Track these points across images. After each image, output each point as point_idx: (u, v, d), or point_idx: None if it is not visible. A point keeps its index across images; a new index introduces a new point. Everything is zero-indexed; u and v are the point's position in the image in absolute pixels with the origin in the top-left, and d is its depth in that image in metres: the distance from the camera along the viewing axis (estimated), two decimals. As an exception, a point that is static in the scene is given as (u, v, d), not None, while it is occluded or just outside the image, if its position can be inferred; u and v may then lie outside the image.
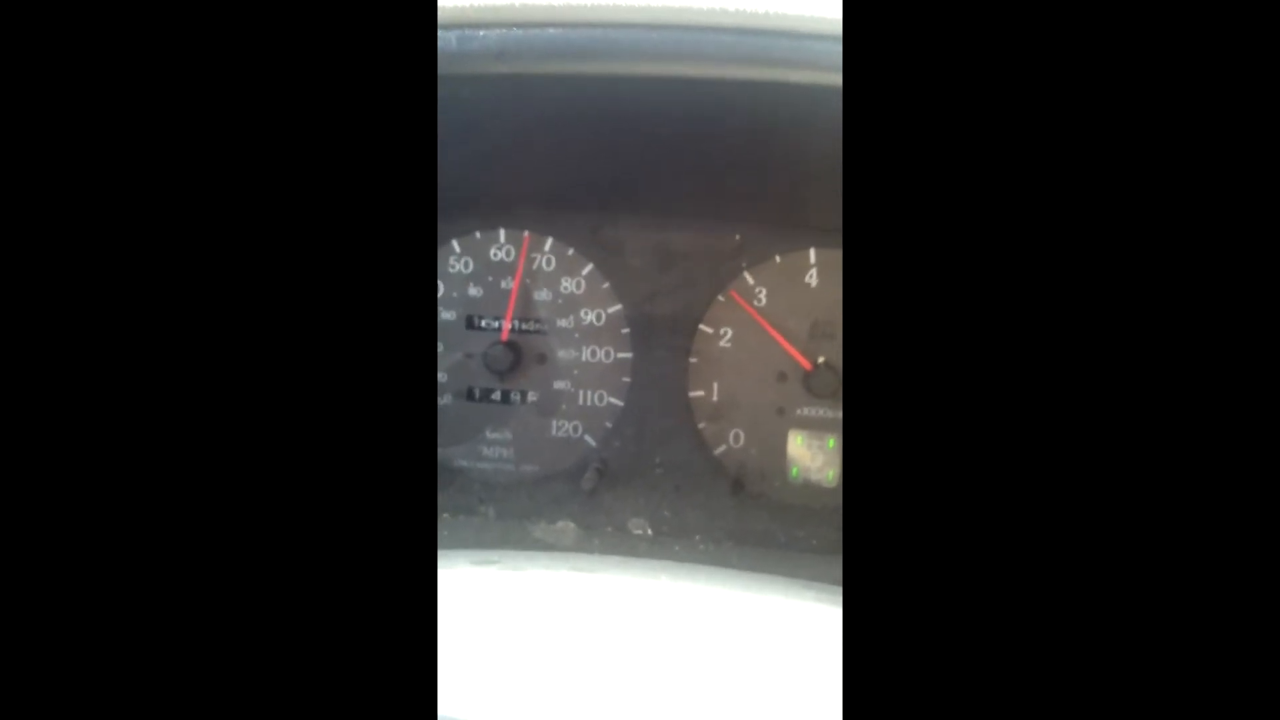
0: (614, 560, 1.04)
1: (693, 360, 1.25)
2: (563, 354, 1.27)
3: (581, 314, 1.27)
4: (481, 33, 0.79)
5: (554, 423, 1.28)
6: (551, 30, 0.79)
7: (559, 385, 1.27)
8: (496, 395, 1.28)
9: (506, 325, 1.26)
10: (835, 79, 0.72)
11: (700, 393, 1.25)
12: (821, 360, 1.21)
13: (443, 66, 0.78)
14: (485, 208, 1.27)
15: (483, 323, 1.28)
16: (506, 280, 1.27)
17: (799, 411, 1.23)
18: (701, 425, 1.25)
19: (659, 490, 1.24)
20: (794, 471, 1.23)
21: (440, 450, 1.28)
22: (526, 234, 1.26)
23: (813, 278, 1.22)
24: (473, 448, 1.28)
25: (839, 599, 0.76)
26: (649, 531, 1.21)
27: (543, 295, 1.27)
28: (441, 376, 1.29)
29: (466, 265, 1.28)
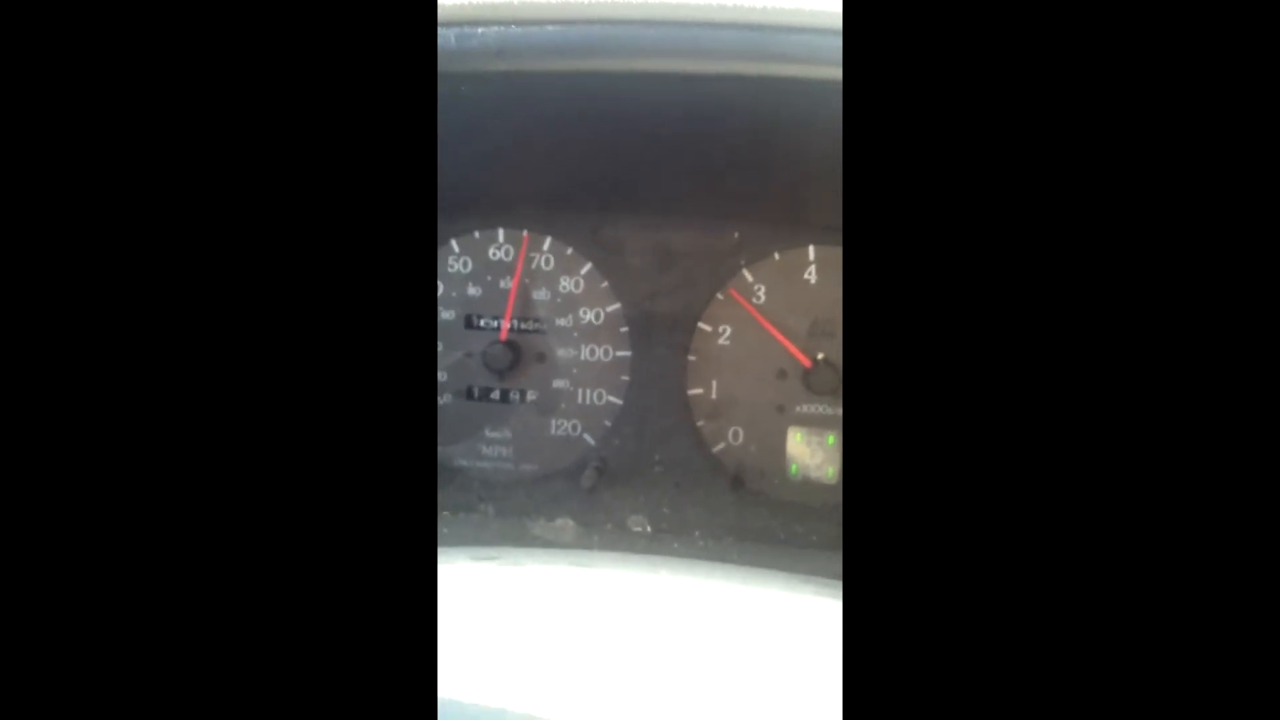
0: (613, 556, 1.04)
1: (691, 358, 1.25)
2: (562, 353, 1.27)
3: (580, 313, 1.27)
4: (480, 30, 0.80)
5: (553, 421, 1.28)
6: (550, 27, 0.80)
7: (558, 384, 1.28)
8: (496, 394, 1.28)
9: (505, 324, 1.27)
10: (835, 73, 0.72)
11: (699, 390, 1.25)
12: (821, 357, 1.21)
13: (441, 64, 0.78)
14: (484, 207, 1.27)
15: (482, 322, 1.28)
16: (505, 279, 1.27)
17: (798, 409, 1.23)
18: (700, 423, 1.25)
19: (658, 488, 1.24)
20: (793, 469, 1.23)
21: (440, 449, 1.28)
22: (525, 233, 1.27)
23: (812, 275, 1.23)
24: (472, 446, 1.29)
25: (838, 593, 0.77)
26: (648, 528, 1.21)
27: (541, 294, 1.27)
28: (441, 376, 1.29)
29: (465, 265, 1.28)
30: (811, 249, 1.22)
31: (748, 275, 1.24)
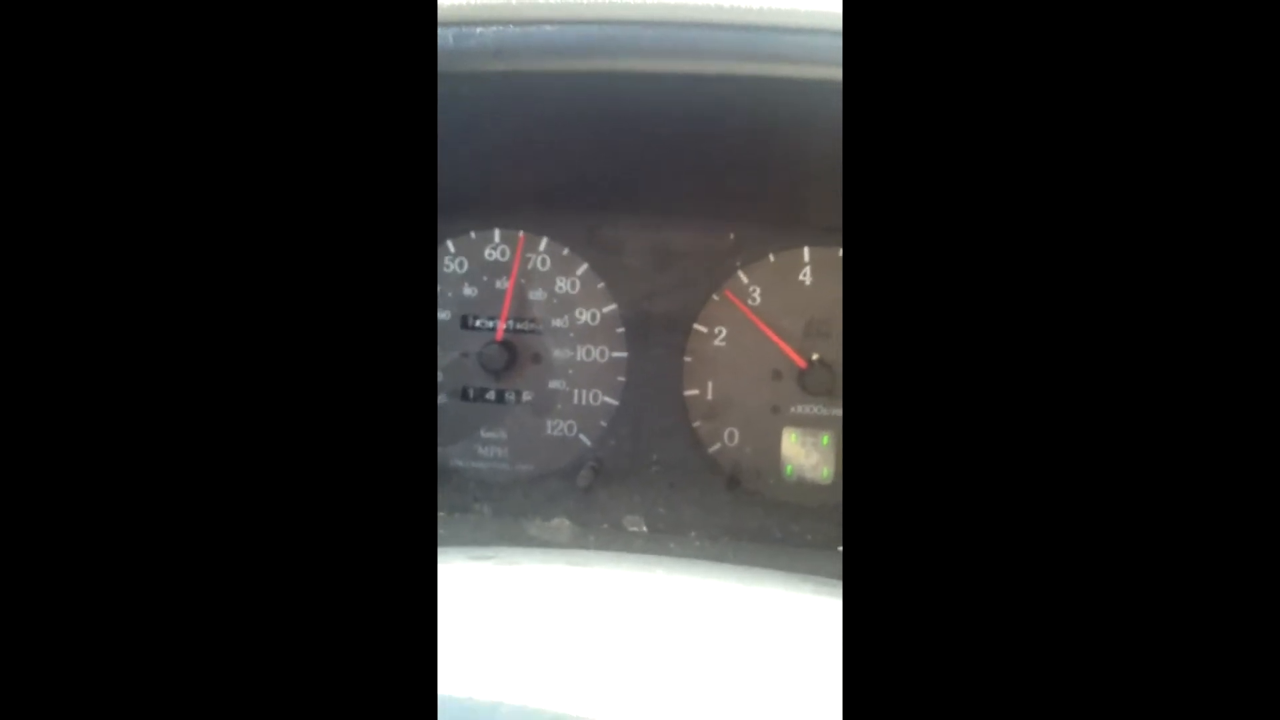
0: (609, 556, 1.04)
1: (687, 359, 1.25)
2: (558, 353, 1.27)
3: (576, 313, 1.27)
4: (479, 30, 0.80)
5: (549, 422, 1.28)
6: (549, 27, 0.80)
7: (554, 385, 1.28)
8: (491, 395, 1.28)
9: (501, 325, 1.27)
10: (835, 73, 0.72)
11: (695, 391, 1.25)
12: (816, 358, 1.21)
13: (440, 64, 0.78)
14: (481, 207, 1.27)
15: (477, 322, 1.28)
16: (501, 280, 1.27)
17: (793, 409, 1.23)
18: (696, 424, 1.25)
19: (654, 488, 1.24)
20: (789, 469, 1.23)
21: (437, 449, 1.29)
22: (521, 234, 1.27)
23: (807, 276, 1.23)
24: (468, 447, 1.28)
25: (837, 592, 0.77)
26: (644, 528, 1.21)
27: (538, 295, 1.27)
28: (437, 376, 1.29)
29: (461, 265, 1.28)
30: (806, 250, 1.22)
31: (743, 277, 1.24)
